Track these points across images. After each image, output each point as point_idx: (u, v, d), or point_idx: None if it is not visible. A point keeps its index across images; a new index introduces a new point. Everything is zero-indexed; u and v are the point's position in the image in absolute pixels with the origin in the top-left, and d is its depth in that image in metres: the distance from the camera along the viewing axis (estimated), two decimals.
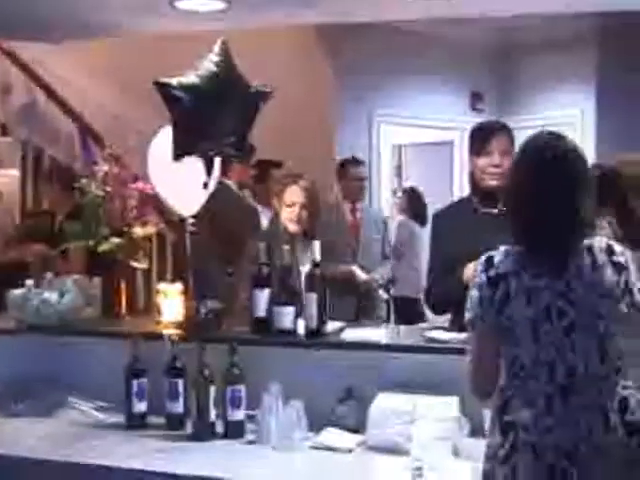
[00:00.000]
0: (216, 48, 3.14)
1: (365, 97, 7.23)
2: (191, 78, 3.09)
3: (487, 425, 2.76)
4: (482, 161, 3.39)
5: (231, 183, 4.92)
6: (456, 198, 5.12)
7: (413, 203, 7.22)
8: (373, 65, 7.09)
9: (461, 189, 7.62)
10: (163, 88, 3.06)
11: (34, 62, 6.91)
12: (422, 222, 6.86)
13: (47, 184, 5.66)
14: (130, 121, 6.70)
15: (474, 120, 7.88)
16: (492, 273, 2.23)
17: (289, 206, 3.88)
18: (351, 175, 5.57)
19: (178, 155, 3.05)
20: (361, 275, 5.10)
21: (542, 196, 2.20)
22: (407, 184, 8.13)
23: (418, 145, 8.47)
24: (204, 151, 3.10)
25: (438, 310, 3.66)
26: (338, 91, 7.10)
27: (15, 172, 6.81)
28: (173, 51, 6.59)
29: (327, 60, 6.93)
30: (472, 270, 3.18)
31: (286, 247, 3.22)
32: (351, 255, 5.28)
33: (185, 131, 3.06)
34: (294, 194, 3.89)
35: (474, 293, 2.25)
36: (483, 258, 2.28)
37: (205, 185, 3.22)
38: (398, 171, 8.72)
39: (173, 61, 6.50)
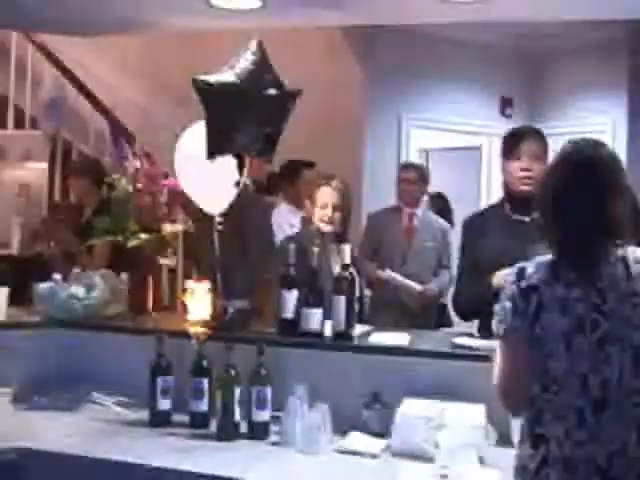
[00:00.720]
0: (252, 47, 3.13)
1: (394, 101, 7.20)
2: (228, 76, 3.07)
3: (516, 435, 2.76)
4: (512, 165, 3.38)
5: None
6: (488, 204, 5.09)
7: (439, 208, 7.18)
8: (403, 69, 7.06)
9: (488, 195, 7.58)
10: (200, 85, 3.04)
11: (66, 57, 6.95)
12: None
13: (76, 178, 5.67)
14: (159, 117, 6.70)
15: (503, 125, 7.86)
16: (524, 284, 2.19)
17: (322, 207, 3.85)
18: (403, 179, 5.56)
19: (212, 153, 3.04)
20: (414, 287, 5.10)
21: (576, 203, 2.18)
22: (434, 189, 8.09)
23: (445, 150, 8.41)
24: (237, 150, 3.09)
25: (466, 316, 3.64)
26: (368, 94, 7.07)
27: (43, 165, 6.83)
28: (202, 49, 6.67)
29: (358, 63, 6.91)
30: (503, 278, 3.18)
31: (315, 249, 3.19)
32: (400, 260, 5.26)
33: (219, 129, 3.05)
34: (327, 195, 3.86)
35: (506, 304, 2.22)
36: (515, 269, 2.25)
37: (238, 183, 3.21)
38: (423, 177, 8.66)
39: (202, 59, 6.58)
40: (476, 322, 3.83)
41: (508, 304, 2.21)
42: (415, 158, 7.72)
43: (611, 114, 7.32)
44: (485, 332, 3.36)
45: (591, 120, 7.35)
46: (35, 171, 6.74)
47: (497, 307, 2.26)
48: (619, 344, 2.11)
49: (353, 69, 6.98)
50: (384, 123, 7.17)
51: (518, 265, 2.26)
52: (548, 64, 7.85)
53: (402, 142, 7.43)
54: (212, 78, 3.08)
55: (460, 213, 6.19)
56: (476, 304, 3.31)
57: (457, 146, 7.99)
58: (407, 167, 5.76)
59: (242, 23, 4.09)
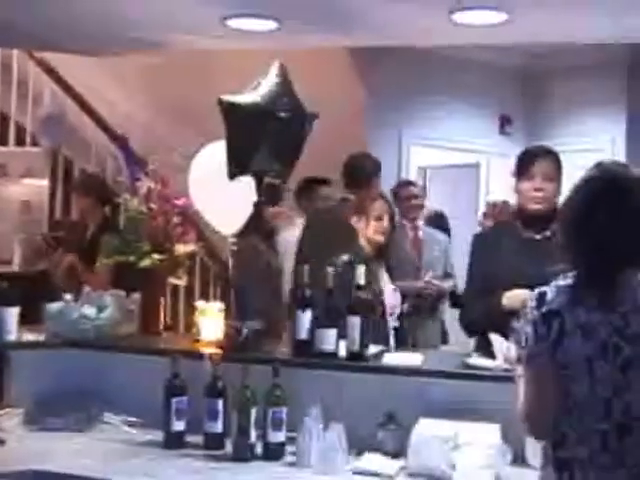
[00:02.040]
0: (275, 69, 3.16)
1: (395, 118, 7.24)
2: (252, 97, 3.10)
3: (530, 454, 2.78)
4: (525, 185, 3.40)
5: None
6: (497, 221, 5.16)
7: (437, 226, 7.21)
8: (403, 87, 7.11)
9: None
10: (225, 106, 3.07)
11: (69, 74, 6.96)
12: None
13: (80, 196, 5.68)
14: (167, 138, 6.72)
15: (501, 144, 7.96)
16: (545, 310, 2.19)
17: (377, 219, 3.99)
18: (405, 195, 5.74)
19: (233, 173, 3.06)
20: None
21: (602, 226, 2.17)
22: (433, 207, 8.13)
23: (443, 167, 8.44)
24: (257, 170, 3.11)
25: (472, 331, 3.65)
26: (369, 111, 7.10)
27: (44, 182, 6.84)
28: (208, 69, 6.71)
29: (359, 80, 6.95)
30: (516, 299, 3.19)
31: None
32: (414, 273, 5.38)
33: (241, 149, 3.07)
34: (382, 207, 4.03)
35: (528, 330, 2.21)
36: (535, 295, 2.24)
37: (256, 205, 3.23)
38: (423, 191, 8.70)
39: (208, 79, 6.62)
40: (472, 341, 3.88)
41: (529, 329, 2.20)
42: (414, 175, 7.76)
43: (610, 132, 7.38)
44: (482, 351, 3.39)
45: (590, 138, 7.40)
46: (36, 188, 6.75)
47: (518, 332, 2.27)
48: None
49: (354, 86, 7.01)
50: (384, 140, 7.20)
51: (538, 290, 2.25)
52: (547, 82, 7.90)
53: (402, 159, 7.47)
54: (237, 99, 3.12)
55: (458, 231, 6.23)
56: (485, 320, 3.33)
57: (456, 164, 8.02)
58: (407, 184, 6.04)
59: (257, 44, 4.12)
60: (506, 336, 3.01)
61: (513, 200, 5.21)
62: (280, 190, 4.31)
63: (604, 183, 2.21)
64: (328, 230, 3.95)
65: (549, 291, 2.22)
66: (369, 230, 4.00)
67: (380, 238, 4.02)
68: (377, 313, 3.76)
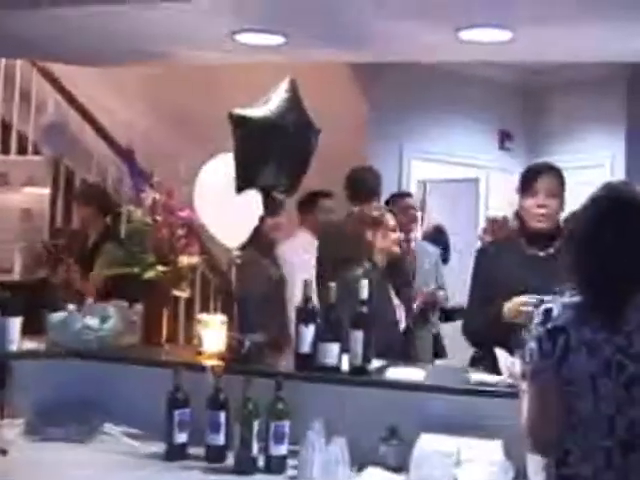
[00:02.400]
0: (285, 84, 3.18)
1: (396, 132, 7.25)
2: (262, 112, 3.12)
3: (532, 471, 2.78)
4: (528, 202, 3.42)
5: None
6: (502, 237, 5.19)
7: (436, 240, 7.23)
8: (404, 102, 7.13)
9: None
10: (235, 119, 3.09)
11: (72, 84, 6.97)
12: (444, 260, 6.88)
13: (82, 205, 5.69)
14: (166, 148, 6.72)
15: (501, 159, 7.98)
16: (550, 326, 2.20)
17: (393, 231, 4.05)
18: (401, 206, 5.71)
19: (242, 188, 3.07)
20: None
21: (609, 246, 2.18)
22: (432, 221, 8.15)
23: (443, 181, 8.47)
24: (265, 184, 3.13)
25: (475, 342, 3.66)
26: (370, 125, 7.12)
27: (46, 191, 6.83)
28: (213, 81, 6.72)
29: (360, 95, 6.97)
30: (514, 308, 3.20)
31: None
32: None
33: (250, 163, 3.09)
34: (392, 219, 4.09)
35: (533, 345, 2.22)
36: (541, 310, 2.26)
37: (262, 219, 3.24)
38: (422, 205, 8.73)
39: (213, 91, 6.63)
40: (469, 354, 3.89)
41: (534, 345, 2.22)
42: (414, 189, 7.78)
43: (610, 148, 7.39)
44: (477, 365, 3.40)
45: (590, 154, 7.43)
46: (37, 196, 6.73)
47: (524, 347, 2.28)
48: None
49: (356, 100, 7.03)
50: (385, 154, 7.22)
51: (544, 306, 2.26)
52: (547, 98, 7.94)
53: (402, 173, 7.49)
54: (247, 112, 3.14)
55: (457, 246, 6.25)
56: (487, 331, 3.34)
57: (455, 178, 8.04)
58: (404, 195, 6.10)
59: (264, 59, 4.15)
60: (509, 348, 3.03)
61: (512, 216, 5.29)
62: (279, 202, 4.35)
63: (610, 202, 2.23)
64: (344, 245, 3.97)
65: (555, 307, 2.23)
66: (386, 242, 4.02)
67: (397, 249, 4.08)
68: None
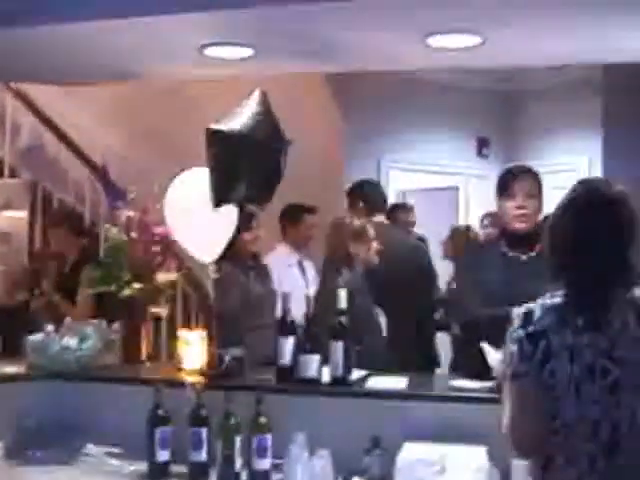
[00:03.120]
0: (256, 97, 3.18)
1: (373, 143, 7.28)
2: (235, 125, 3.12)
3: (516, 476, 2.77)
4: (507, 204, 3.43)
5: None
6: (485, 239, 5.21)
7: None
8: (380, 112, 7.15)
9: None
10: (212, 135, 3.10)
11: (45, 105, 6.94)
12: None
13: (53, 228, 5.64)
14: (141, 166, 6.70)
15: (479, 166, 8.01)
16: (531, 329, 2.17)
17: (373, 241, 4.13)
18: (401, 220, 5.82)
19: (218, 203, 3.07)
20: None
21: (592, 245, 2.15)
22: (414, 231, 8.16)
23: (422, 191, 8.49)
24: (241, 198, 3.13)
25: (470, 330, 3.65)
26: (348, 137, 7.13)
27: (23, 214, 6.79)
28: (187, 98, 6.72)
29: (337, 106, 6.98)
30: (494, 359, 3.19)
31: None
32: None
33: (226, 178, 3.09)
34: (372, 230, 4.18)
35: (513, 348, 2.19)
36: (521, 312, 2.22)
37: (238, 231, 3.24)
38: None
39: (188, 108, 6.62)
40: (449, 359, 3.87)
41: (514, 348, 2.18)
42: (393, 200, 7.77)
43: (586, 152, 7.42)
44: (458, 371, 3.39)
45: (567, 159, 7.45)
46: (16, 220, 6.68)
47: (503, 351, 2.26)
48: (632, 390, 2.09)
49: (331, 112, 7.05)
50: (363, 165, 7.22)
51: (525, 308, 2.22)
52: (524, 104, 7.97)
53: (381, 184, 7.48)
54: (222, 127, 3.14)
55: (438, 254, 6.23)
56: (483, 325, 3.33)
57: (435, 187, 8.06)
58: (405, 208, 6.26)
59: (233, 71, 4.15)
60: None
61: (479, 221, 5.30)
62: (254, 215, 4.35)
63: (589, 199, 2.20)
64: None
65: (536, 309, 2.20)
66: (368, 252, 4.09)
67: (376, 260, 4.12)
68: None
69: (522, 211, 3.39)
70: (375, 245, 4.11)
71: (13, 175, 7.02)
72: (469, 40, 3.70)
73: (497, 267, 3.40)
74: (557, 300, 2.19)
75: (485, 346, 3.07)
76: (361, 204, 5.23)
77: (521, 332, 2.18)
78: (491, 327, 3.29)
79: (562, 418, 2.13)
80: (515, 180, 3.42)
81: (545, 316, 2.17)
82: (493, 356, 3.00)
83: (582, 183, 2.27)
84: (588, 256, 2.16)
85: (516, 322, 2.21)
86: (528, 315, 2.20)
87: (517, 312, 2.24)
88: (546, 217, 3.12)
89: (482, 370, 3.05)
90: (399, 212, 5.96)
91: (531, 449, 2.21)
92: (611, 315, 2.12)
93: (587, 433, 2.11)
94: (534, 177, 3.46)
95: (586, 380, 2.10)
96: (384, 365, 3.60)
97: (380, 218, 5.11)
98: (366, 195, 5.34)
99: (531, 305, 2.22)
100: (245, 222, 4.48)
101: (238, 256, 4.56)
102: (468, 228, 6.22)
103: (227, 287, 4.34)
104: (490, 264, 3.43)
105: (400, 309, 4.33)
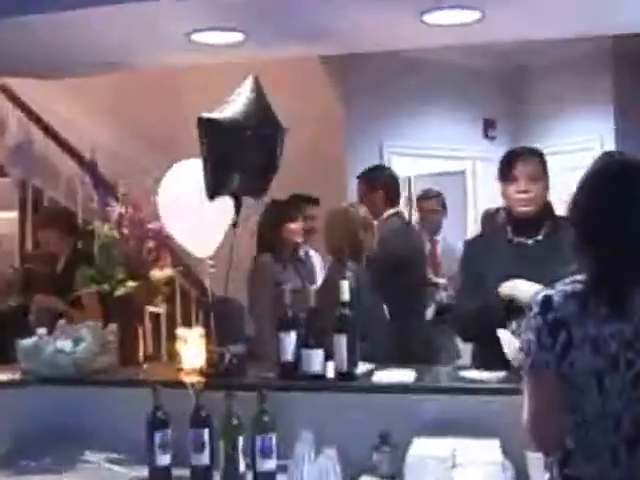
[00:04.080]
0: (249, 84, 3.18)
1: (374, 128, 7.23)
2: (229, 114, 3.12)
3: (532, 469, 2.76)
4: (509, 188, 3.41)
5: None
6: (489, 227, 5.21)
7: None
8: (381, 94, 7.11)
9: (475, 220, 7.61)
10: (205, 124, 3.09)
11: (33, 100, 6.94)
12: None
13: (43, 228, 5.63)
14: (132, 160, 6.71)
15: (487, 148, 7.98)
16: (551, 317, 2.12)
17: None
18: (426, 207, 5.99)
19: (212, 194, 3.07)
20: None
21: (610, 215, 2.11)
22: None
23: (428, 176, 8.47)
24: (236, 189, 3.13)
25: (466, 334, 3.66)
26: (347, 122, 7.10)
27: (14, 214, 6.80)
28: (178, 89, 6.72)
29: (334, 90, 6.95)
30: (511, 290, 3.20)
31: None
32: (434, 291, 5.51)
33: (220, 169, 3.09)
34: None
35: (531, 337, 2.14)
36: (540, 298, 2.16)
37: (235, 225, 3.24)
38: (408, 202, 8.73)
39: (179, 99, 6.61)
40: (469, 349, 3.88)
41: (532, 337, 2.14)
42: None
43: (598, 130, 7.36)
44: (479, 361, 3.39)
45: (578, 138, 7.40)
46: (6, 221, 6.71)
47: (520, 339, 2.23)
48: None
49: (329, 98, 7.01)
50: (364, 152, 7.18)
51: (544, 293, 2.17)
52: (530, 81, 7.93)
53: None
54: (215, 116, 3.15)
55: (444, 241, 6.23)
56: (475, 322, 3.34)
57: (440, 171, 8.04)
58: (431, 196, 6.23)
59: (223, 58, 4.15)
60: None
61: None
62: (297, 205, 4.37)
63: (611, 170, 2.17)
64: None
65: (555, 295, 2.15)
66: (374, 240, 4.20)
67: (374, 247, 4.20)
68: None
69: (525, 195, 3.36)
70: (376, 234, 4.15)
71: (2, 174, 7.04)
72: (468, 15, 3.68)
73: (503, 256, 3.39)
74: (578, 287, 2.14)
75: (502, 333, 3.06)
76: (381, 192, 5.21)
77: (539, 320, 2.14)
78: (477, 321, 3.33)
79: (583, 412, 2.11)
80: (517, 163, 3.39)
81: (565, 303, 2.12)
82: (511, 344, 2.99)
83: (604, 155, 2.24)
84: (613, 228, 2.11)
85: (535, 309, 2.16)
86: (547, 302, 2.14)
87: (536, 298, 2.19)
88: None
89: (502, 359, 3.05)
90: (423, 200, 6.02)
91: (552, 444, 2.17)
92: (635, 304, 2.08)
93: (609, 427, 2.08)
94: (538, 159, 3.44)
95: (609, 372, 2.07)
96: (389, 358, 3.61)
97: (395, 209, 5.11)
98: (386, 182, 5.33)
99: (550, 291, 2.17)
100: (290, 211, 4.53)
101: (280, 247, 4.58)
102: (498, 210, 6.21)
103: (260, 280, 4.36)
104: (494, 254, 3.41)
105: (400, 297, 4.36)
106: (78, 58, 4.31)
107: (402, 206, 7.76)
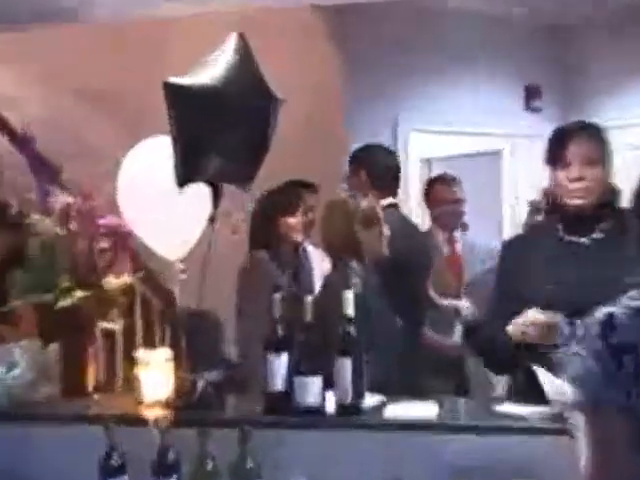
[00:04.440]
0: (233, 43, 3.20)
1: (387, 97, 7.23)
2: (206, 79, 3.13)
3: None
4: (559, 175, 3.41)
5: None
6: (533, 222, 5.21)
7: None
8: (396, 57, 7.11)
9: (514, 210, 7.64)
10: (173, 91, 3.11)
11: None
12: None
13: None
14: (84, 136, 6.73)
15: (529, 123, 8.00)
16: (615, 340, 2.10)
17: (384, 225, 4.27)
18: (442, 197, 5.87)
19: (183, 181, 3.09)
20: None
21: None
22: None
23: (454, 158, 8.50)
24: (213, 175, 3.14)
25: (494, 366, 3.70)
26: (353, 90, 7.11)
27: None
28: (133, 43, 6.72)
29: (339, 52, 6.96)
30: (521, 324, 3.23)
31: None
32: (453, 296, 5.51)
33: (193, 148, 3.10)
34: (382, 212, 4.37)
35: (590, 364, 2.13)
36: (600, 317, 2.15)
37: (212, 220, 3.26)
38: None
39: (132, 55, 6.61)
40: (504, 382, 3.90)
41: (594, 364, 2.12)
42: (416, 170, 7.79)
43: None
44: (519, 396, 3.41)
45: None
46: None
47: (576, 367, 2.25)
48: None
49: (329, 61, 7.02)
50: (373, 127, 7.18)
51: (604, 311, 2.16)
52: (584, 41, 7.95)
53: (399, 150, 7.48)
54: (186, 81, 3.15)
55: (477, 235, 6.25)
56: (506, 351, 3.36)
57: (470, 152, 8.06)
58: (448, 182, 6.11)
59: (207, 8, 4.17)
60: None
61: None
62: (299, 195, 4.41)
63: None
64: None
65: (619, 313, 2.14)
66: (380, 240, 4.19)
67: (386, 249, 4.21)
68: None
69: (579, 184, 3.36)
70: (386, 231, 4.17)
71: None
72: None
73: (551, 259, 3.40)
74: None
75: (538, 369, 3.08)
76: (364, 176, 5.21)
77: (600, 344, 2.12)
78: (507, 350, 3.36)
79: None
80: (569, 144, 3.39)
81: (632, 322, 2.12)
82: (551, 382, 3.01)
83: None
84: None
85: (593, 330, 2.15)
86: (608, 320, 2.13)
87: (594, 318, 2.17)
88: None
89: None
90: (439, 187, 5.96)
91: None
92: None
93: None
94: (594, 136, 3.44)
95: None
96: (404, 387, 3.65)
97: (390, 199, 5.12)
98: (371, 163, 5.32)
99: (612, 308, 2.15)
100: (289, 202, 4.56)
101: (277, 244, 4.62)
102: (548, 202, 6.21)
103: (256, 279, 4.39)
104: (539, 258, 3.43)
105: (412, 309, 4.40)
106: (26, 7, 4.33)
107: (416, 195, 7.85)
